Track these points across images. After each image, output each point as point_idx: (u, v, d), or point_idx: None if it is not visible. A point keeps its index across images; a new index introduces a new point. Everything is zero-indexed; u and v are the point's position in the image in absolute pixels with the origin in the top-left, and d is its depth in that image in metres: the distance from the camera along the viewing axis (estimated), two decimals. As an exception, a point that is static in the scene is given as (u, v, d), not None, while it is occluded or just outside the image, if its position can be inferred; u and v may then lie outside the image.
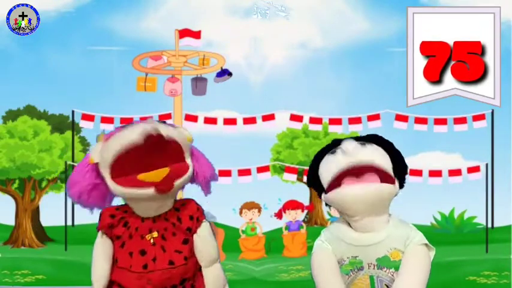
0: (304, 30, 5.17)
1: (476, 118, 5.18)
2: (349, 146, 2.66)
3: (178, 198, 2.91)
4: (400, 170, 2.73)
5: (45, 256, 5.19)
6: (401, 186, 2.78)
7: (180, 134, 2.74)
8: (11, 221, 5.32)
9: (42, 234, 5.32)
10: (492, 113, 5.16)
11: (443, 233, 5.16)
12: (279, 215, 5.21)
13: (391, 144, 2.78)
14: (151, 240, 2.74)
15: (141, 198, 2.62)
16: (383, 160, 2.68)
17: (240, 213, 5.22)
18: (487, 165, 5.18)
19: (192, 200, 2.81)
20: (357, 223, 2.68)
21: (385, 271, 2.68)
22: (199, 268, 2.83)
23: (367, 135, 2.83)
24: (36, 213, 5.33)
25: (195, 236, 2.78)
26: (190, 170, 2.75)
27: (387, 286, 2.67)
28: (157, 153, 2.67)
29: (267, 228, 5.25)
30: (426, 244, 2.68)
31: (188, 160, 2.77)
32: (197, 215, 2.76)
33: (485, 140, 5.17)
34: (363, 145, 2.67)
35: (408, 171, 2.80)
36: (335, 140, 2.80)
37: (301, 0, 5.16)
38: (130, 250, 2.73)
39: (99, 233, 2.75)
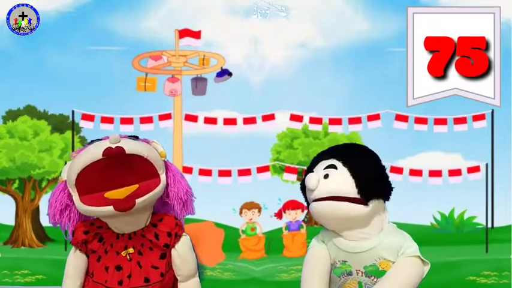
0: (304, 30, 5.17)
1: (476, 118, 5.18)
2: (309, 182, 2.64)
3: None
4: (370, 190, 2.67)
5: (45, 256, 5.19)
6: (386, 199, 2.74)
7: (151, 150, 2.67)
8: (11, 221, 5.31)
9: (42, 234, 5.32)
10: (492, 113, 5.16)
11: (443, 233, 5.16)
12: (279, 215, 5.21)
13: (366, 162, 2.71)
14: (127, 257, 2.70)
15: (107, 216, 2.57)
16: (344, 188, 2.64)
17: (240, 213, 5.22)
18: (487, 165, 5.17)
19: (171, 215, 2.76)
20: (338, 234, 2.68)
21: (373, 279, 2.67)
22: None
23: (347, 147, 2.78)
24: (36, 213, 5.33)
25: (173, 250, 2.72)
26: (160, 186, 2.68)
27: None
28: (120, 168, 2.60)
29: (267, 228, 5.25)
30: (420, 257, 2.65)
31: (162, 176, 2.71)
32: (175, 230, 2.70)
33: (485, 140, 5.17)
34: (325, 177, 2.64)
35: (389, 185, 2.75)
36: (319, 156, 2.77)
37: (301, 0, 5.16)
38: (106, 265, 2.69)
39: (73, 248, 2.71)
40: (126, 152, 2.55)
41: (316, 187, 2.59)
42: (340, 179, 2.63)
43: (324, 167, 2.67)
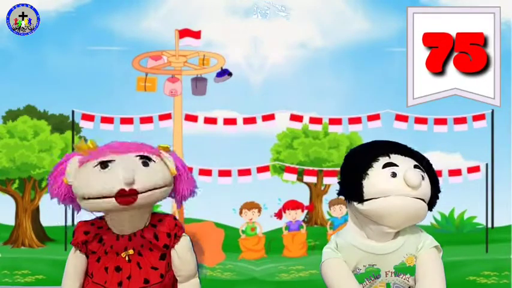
0: (304, 30, 5.16)
1: (476, 118, 5.18)
2: (416, 180, 2.60)
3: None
4: (434, 201, 2.73)
5: (45, 256, 5.19)
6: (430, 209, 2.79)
7: (163, 177, 2.66)
8: (11, 221, 5.31)
9: (42, 234, 5.32)
10: (492, 113, 5.16)
11: (443, 233, 5.16)
12: (279, 215, 5.21)
13: (435, 172, 2.77)
14: (127, 258, 2.69)
15: (108, 209, 2.56)
16: (429, 193, 2.68)
17: (240, 213, 5.22)
18: (487, 165, 5.17)
19: (170, 215, 2.75)
20: (380, 233, 2.67)
21: (402, 277, 2.68)
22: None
23: (415, 152, 2.77)
24: (36, 213, 5.33)
25: (172, 251, 2.72)
26: (166, 188, 2.69)
27: None
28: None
29: (267, 228, 5.25)
30: (436, 246, 2.69)
31: (170, 187, 2.72)
32: (175, 231, 2.69)
33: (485, 140, 5.17)
34: (422, 179, 2.65)
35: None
36: (381, 148, 2.71)
37: (301, 0, 5.16)
38: (106, 265, 2.69)
39: (73, 249, 2.70)
40: (138, 192, 2.55)
41: (420, 186, 2.60)
42: (429, 185, 2.68)
43: (412, 165, 2.66)
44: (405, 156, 2.69)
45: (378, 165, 2.61)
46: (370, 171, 2.60)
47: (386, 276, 2.70)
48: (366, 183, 2.59)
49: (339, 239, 2.72)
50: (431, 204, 2.76)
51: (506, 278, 5.06)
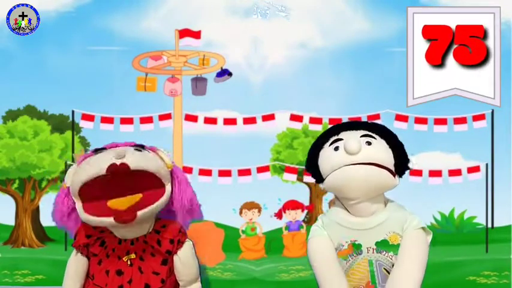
0: (304, 30, 5.17)
1: (476, 118, 5.18)
2: (353, 145, 2.68)
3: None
4: (402, 165, 2.77)
5: (45, 256, 5.19)
6: (400, 175, 2.82)
7: (156, 163, 2.65)
8: (11, 221, 5.31)
9: (42, 234, 5.32)
10: (492, 113, 5.17)
11: (443, 233, 5.16)
12: (279, 215, 5.21)
13: (396, 137, 2.81)
14: (128, 262, 2.70)
15: (108, 227, 2.56)
16: (386, 158, 2.72)
17: (240, 213, 5.22)
18: (487, 165, 5.18)
19: (174, 221, 2.75)
20: (354, 207, 2.71)
21: (384, 255, 2.71)
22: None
23: (372, 123, 2.85)
24: (36, 213, 5.33)
25: (175, 256, 2.72)
26: (163, 198, 2.67)
27: (386, 270, 2.69)
28: (124, 179, 2.58)
29: (267, 228, 5.25)
30: (424, 228, 2.72)
31: (167, 187, 2.70)
32: (178, 237, 2.70)
33: (485, 140, 5.17)
34: (368, 144, 2.69)
35: (409, 164, 2.83)
36: (335, 128, 2.80)
37: (301, 0, 5.16)
38: (107, 268, 2.69)
39: (74, 251, 2.71)
40: (131, 169, 2.54)
41: (358, 151, 2.65)
42: (382, 149, 2.72)
43: (360, 135, 2.72)
44: (357, 130, 2.78)
45: (327, 145, 2.73)
46: (321, 152, 2.73)
47: (368, 253, 2.74)
48: (319, 163, 2.72)
49: (324, 217, 2.80)
50: (400, 171, 2.82)
51: (506, 278, 5.07)
